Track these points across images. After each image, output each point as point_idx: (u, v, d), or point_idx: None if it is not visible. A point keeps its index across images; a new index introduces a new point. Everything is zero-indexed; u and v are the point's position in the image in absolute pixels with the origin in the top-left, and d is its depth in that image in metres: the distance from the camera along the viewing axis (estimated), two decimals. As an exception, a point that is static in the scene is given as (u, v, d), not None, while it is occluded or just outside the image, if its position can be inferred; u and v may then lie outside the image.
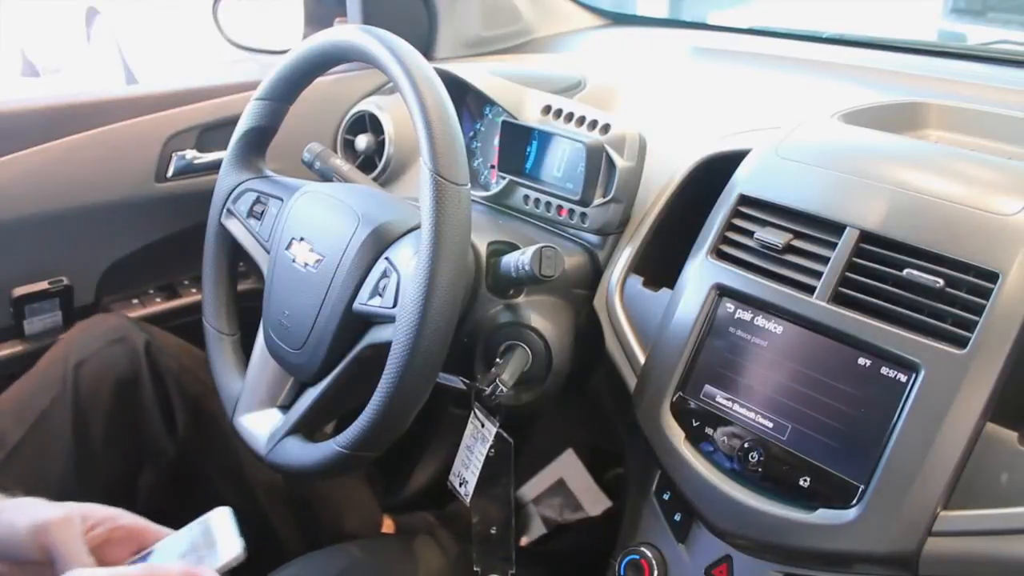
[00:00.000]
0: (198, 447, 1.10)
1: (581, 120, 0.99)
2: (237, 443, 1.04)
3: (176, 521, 0.76)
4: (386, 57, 0.81)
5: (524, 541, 1.49)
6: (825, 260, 0.77)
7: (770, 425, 0.76)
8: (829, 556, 0.72)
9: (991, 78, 1.09)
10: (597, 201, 0.96)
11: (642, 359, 0.88)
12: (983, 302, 0.69)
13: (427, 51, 1.44)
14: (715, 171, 0.92)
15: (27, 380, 1.05)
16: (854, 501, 0.70)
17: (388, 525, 1.36)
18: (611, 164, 0.95)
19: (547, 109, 1.03)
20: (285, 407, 0.95)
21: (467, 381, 0.95)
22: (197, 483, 1.11)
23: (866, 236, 0.75)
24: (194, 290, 1.36)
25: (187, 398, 1.09)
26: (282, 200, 0.97)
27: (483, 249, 0.91)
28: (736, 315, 0.81)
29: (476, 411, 0.92)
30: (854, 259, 0.75)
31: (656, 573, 0.86)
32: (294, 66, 0.94)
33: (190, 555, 0.72)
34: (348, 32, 0.87)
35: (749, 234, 0.82)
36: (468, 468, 0.93)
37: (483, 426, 0.91)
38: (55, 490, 0.99)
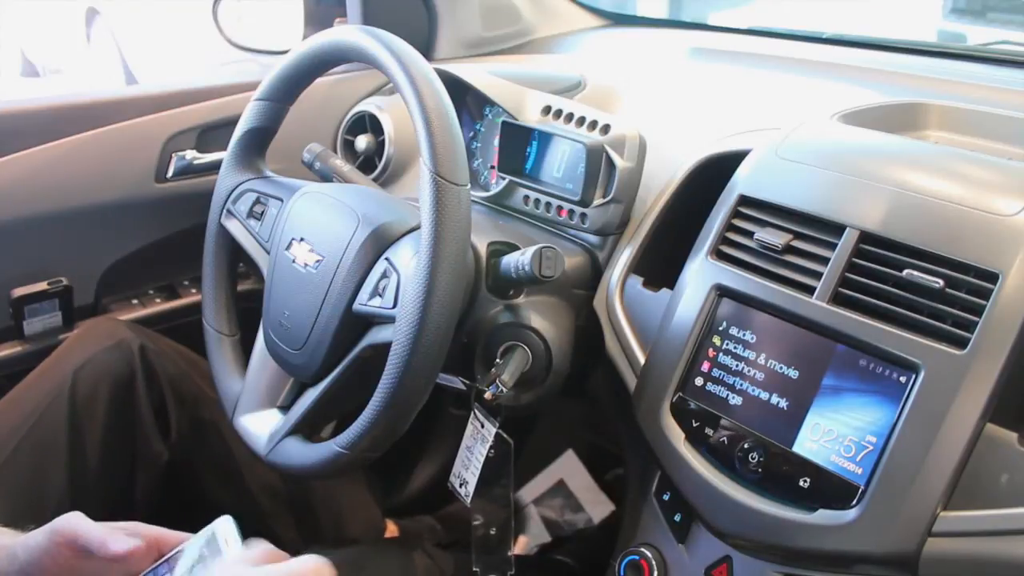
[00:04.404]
0: (194, 450, 1.10)
1: (581, 120, 0.99)
2: (234, 446, 1.03)
3: (174, 524, 0.76)
4: (386, 57, 0.82)
5: (522, 548, 1.48)
6: (825, 261, 0.76)
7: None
8: (829, 557, 0.72)
9: (991, 78, 1.09)
10: (597, 201, 0.96)
11: (642, 359, 0.88)
12: (983, 303, 0.69)
13: (427, 51, 1.44)
14: (715, 171, 0.92)
15: (25, 385, 1.05)
16: (854, 502, 0.70)
17: (391, 529, 1.36)
18: (611, 164, 0.95)
19: (547, 109, 1.03)
20: (285, 408, 0.95)
21: (467, 381, 0.95)
22: (194, 486, 1.11)
23: (866, 236, 0.75)
24: (194, 291, 1.36)
25: (183, 401, 1.09)
26: (282, 201, 0.97)
27: (483, 250, 0.91)
28: (736, 315, 0.81)
29: (476, 411, 0.92)
30: (854, 259, 0.75)
31: (656, 573, 0.86)
32: (294, 67, 0.94)
33: (198, 566, 0.72)
34: (348, 32, 0.87)
35: (749, 234, 0.82)
36: (468, 469, 0.93)
37: (483, 427, 0.91)
38: (52, 495, 0.99)
